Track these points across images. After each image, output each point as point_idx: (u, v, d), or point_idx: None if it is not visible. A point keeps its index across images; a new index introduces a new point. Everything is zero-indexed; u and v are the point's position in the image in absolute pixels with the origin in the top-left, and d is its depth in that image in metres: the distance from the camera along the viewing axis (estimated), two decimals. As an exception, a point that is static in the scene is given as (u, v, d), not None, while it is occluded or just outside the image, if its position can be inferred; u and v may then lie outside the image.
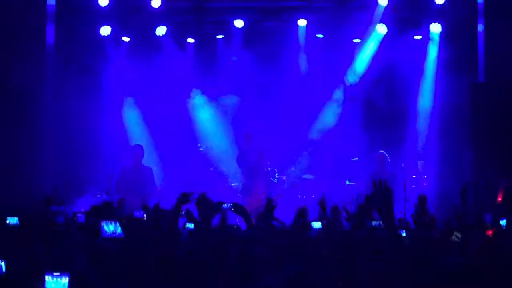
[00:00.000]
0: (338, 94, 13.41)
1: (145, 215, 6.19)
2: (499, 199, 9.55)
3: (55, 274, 4.23)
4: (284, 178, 12.37)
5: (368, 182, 11.37)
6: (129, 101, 13.46)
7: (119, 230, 5.96)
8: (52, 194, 10.65)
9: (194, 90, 13.56)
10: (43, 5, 11.36)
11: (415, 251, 4.80)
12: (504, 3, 10.93)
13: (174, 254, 4.95)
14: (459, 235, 5.20)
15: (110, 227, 5.96)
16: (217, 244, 5.19)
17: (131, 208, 9.20)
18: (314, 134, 13.43)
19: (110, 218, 6.11)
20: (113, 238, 5.98)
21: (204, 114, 13.62)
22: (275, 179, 11.97)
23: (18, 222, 7.13)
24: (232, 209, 6.04)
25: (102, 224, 6.05)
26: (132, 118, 13.43)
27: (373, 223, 8.42)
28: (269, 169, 12.11)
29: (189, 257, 5.05)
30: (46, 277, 4.21)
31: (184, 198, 5.56)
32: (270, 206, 5.89)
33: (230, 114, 13.48)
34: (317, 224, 8.05)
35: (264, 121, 12.97)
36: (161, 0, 12.45)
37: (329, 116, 13.39)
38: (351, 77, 13.33)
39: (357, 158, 12.78)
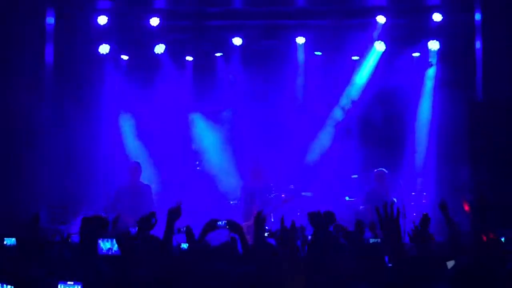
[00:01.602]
0: (337, 111, 13.40)
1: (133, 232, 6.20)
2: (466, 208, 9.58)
3: (68, 283, 4.24)
4: (282, 195, 12.32)
5: (366, 199, 11.38)
6: (127, 119, 13.45)
7: (115, 247, 5.94)
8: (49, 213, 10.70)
9: (192, 107, 13.55)
10: (42, 23, 11.42)
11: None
12: (501, 20, 10.96)
13: (168, 274, 4.94)
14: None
15: (107, 244, 5.93)
16: (211, 264, 5.18)
17: (128, 226, 9.19)
18: (313, 152, 13.42)
19: (104, 234, 6.10)
20: (109, 255, 5.96)
21: (202, 131, 13.61)
22: (272, 195, 11.94)
23: (15, 242, 7.11)
24: (227, 227, 6.03)
25: (98, 242, 6.03)
26: (130, 136, 13.41)
27: (371, 240, 8.43)
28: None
29: (183, 277, 5.03)
30: (59, 286, 4.22)
31: (173, 214, 5.53)
32: (259, 220, 5.86)
33: (229, 131, 13.45)
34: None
35: (263, 139, 12.97)
36: (160, 19, 12.50)
37: (328, 133, 13.38)
38: (350, 94, 13.33)
39: (356, 176, 12.76)
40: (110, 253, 6.23)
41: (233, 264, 5.02)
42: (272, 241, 6.56)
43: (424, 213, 5.73)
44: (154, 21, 12.49)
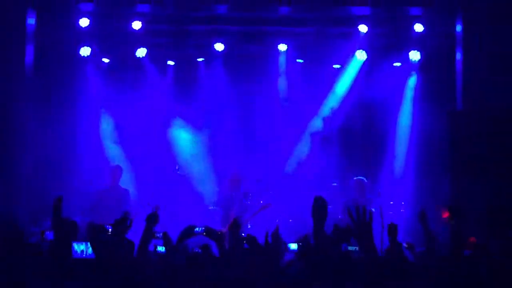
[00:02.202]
0: (318, 119, 13.39)
1: (110, 230, 6.12)
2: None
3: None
4: (261, 202, 12.30)
5: (345, 207, 11.37)
6: (107, 122, 13.36)
7: (89, 250, 5.90)
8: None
9: (172, 112, 13.48)
10: (23, 24, 11.33)
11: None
12: (481, 31, 11.05)
13: (143, 278, 4.91)
14: None
15: (81, 247, 5.89)
16: (188, 268, 5.15)
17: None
18: (292, 159, 13.41)
19: (77, 237, 6.05)
20: (83, 259, 5.91)
21: (183, 136, 13.54)
22: (248, 202, 11.90)
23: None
24: (204, 233, 6.00)
25: (72, 245, 5.98)
26: (110, 139, 13.33)
27: (349, 247, 8.41)
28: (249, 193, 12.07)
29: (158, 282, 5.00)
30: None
31: (151, 219, 5.49)
32: (234, 227, 5.84)
33: (208, 136, 13.38)
34: (293, 246, 8.05)
35: (242, 145, 12.95)
36: (142, 23, 12.47)
37: (308, 141, 13.37)
38: (331, 103, 13.34)
39: (336, 184, 12.76)
40: (83, 256, 6.19)
41: (210, 270, 5.00)
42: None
43: (389, 223, 5.74)
44: (136, 25, 12.46)
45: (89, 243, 5.94)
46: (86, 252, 5.95)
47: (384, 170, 12.91)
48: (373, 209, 11.42)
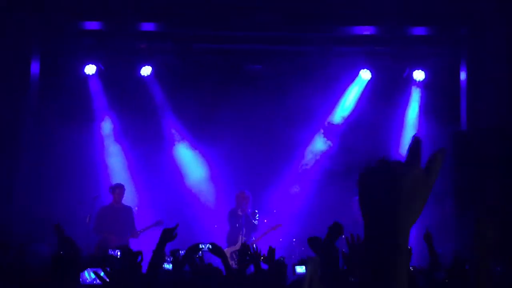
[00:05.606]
0: (320, 138, 13.35)
1: (119, 254, 6.07)
2: None
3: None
4: (265, 221, 12.27)
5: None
6: (112, 140, 13.36)
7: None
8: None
9: (177, 131, 13.49)
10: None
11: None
12: (486, 51, 11.05)
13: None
14: None
15: (91, 275, 5.81)
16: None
17: (110, 248, 9.13)
18: (296, 178, 13.38)
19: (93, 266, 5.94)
20: (93, 285, 5.84)
21: (188, 154, 13.54)
22: (256, 221, 11.84)
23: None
24: (210, 250, 5.98)
25: (84, 272, 5.90)
26: (115, 157, 13.33)
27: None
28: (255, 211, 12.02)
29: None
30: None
31: (167, 235, 5.46)
32: (244, 251, 5.83)
33: (214, 156, 13.33)
34: (300, 269, 7.92)
35: (248, 164, 12.90)
36: (147, 43, 12.52)
37: (311, 159, 13.35)
38: (335, 121, 13.30)
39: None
40: (94, 282, 6.12)
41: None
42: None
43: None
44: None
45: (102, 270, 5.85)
46: (96, 279, 5.86)
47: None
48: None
